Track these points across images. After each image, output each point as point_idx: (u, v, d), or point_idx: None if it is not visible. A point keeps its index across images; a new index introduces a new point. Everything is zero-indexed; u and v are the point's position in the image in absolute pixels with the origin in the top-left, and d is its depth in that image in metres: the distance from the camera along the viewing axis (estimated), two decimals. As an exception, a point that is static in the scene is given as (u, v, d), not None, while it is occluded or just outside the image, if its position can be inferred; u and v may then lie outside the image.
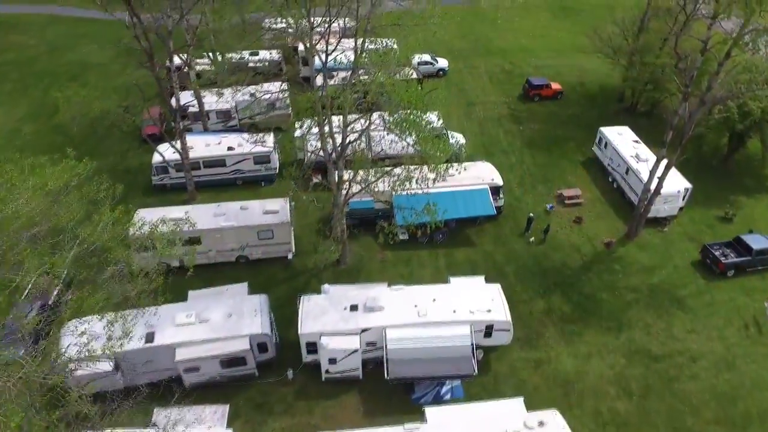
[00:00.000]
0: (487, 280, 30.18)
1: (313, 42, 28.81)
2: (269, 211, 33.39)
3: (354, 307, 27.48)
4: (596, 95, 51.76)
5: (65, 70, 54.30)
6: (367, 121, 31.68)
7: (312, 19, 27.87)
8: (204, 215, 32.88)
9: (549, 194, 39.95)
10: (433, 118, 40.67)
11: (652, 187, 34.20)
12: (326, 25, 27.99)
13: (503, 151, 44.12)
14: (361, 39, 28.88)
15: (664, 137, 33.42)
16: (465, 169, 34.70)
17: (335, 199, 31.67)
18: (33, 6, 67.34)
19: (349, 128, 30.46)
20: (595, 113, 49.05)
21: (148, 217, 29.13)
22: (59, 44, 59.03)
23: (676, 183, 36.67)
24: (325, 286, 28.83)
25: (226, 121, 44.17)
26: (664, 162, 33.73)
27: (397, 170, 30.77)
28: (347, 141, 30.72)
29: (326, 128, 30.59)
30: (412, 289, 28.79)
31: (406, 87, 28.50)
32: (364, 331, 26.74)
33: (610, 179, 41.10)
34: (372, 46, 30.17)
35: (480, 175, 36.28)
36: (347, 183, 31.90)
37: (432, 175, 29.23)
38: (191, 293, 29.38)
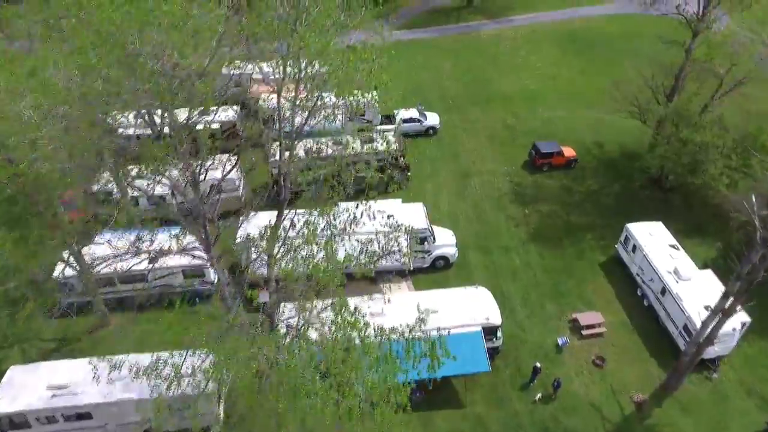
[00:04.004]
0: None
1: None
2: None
3: None
4: (616, 161, 42.80)
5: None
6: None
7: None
8: (95, 382, 24.32)
9: (561, 318, 31.21)
10: (419, 213, 32.55)
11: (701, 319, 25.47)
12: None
13: (503, 248, 35.31)
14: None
15: (728, 286, 24.47)
16: (449, 299, 26.58)
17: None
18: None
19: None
20: (617, 188, 40.18)
21: (21, 379, 23.71)
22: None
23: (731, 318, 27.82)
24: None
25: (161, 211, 35.40)
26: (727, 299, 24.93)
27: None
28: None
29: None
30: None
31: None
32: None
33: (639, 293, 32.31)
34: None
35: (471, 309, 27.52)
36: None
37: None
38: None
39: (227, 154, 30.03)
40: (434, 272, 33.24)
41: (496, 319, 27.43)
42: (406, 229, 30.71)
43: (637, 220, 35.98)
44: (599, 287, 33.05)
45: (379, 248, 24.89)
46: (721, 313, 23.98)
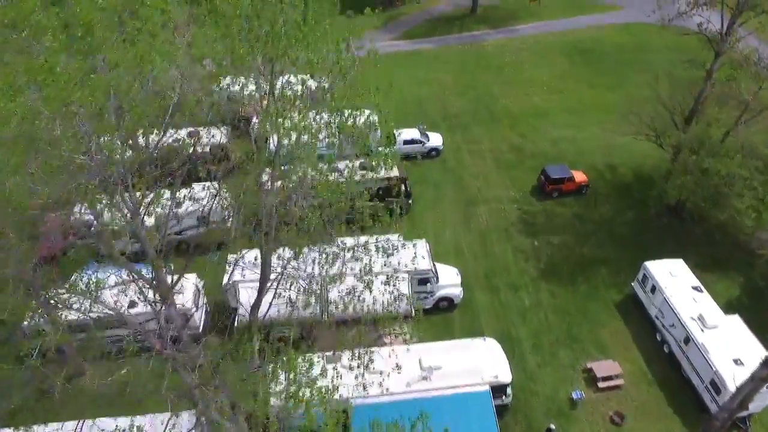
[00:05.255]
0: None
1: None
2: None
3: None
4: (630, 185, 40.35)
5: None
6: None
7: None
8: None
9: (575, 367, 28.80)
10: (422, 252, 30.14)
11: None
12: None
13: (512, 286, 32.88)
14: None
15: (764, 358, 21.98)
16: (455, 353, 24.27)
17: None
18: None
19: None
20: (631, 216, 37.74)
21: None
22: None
23: None
24: None
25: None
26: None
27: None
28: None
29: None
30: None
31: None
32: None
33: (658, 337, 29.90)
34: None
35: (478, 366, 25.07)
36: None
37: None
38: None
39: (210, 182, 27.44)
40: (437, 314, 30.84)
41: (506, 376, 25.01)
42: (408, 271, 28.72)
43: (653, 251, 33.73)
44: (615, 330, 30.62)
45: (380, 295, 22.74)
46: (761, 380, 21.53)
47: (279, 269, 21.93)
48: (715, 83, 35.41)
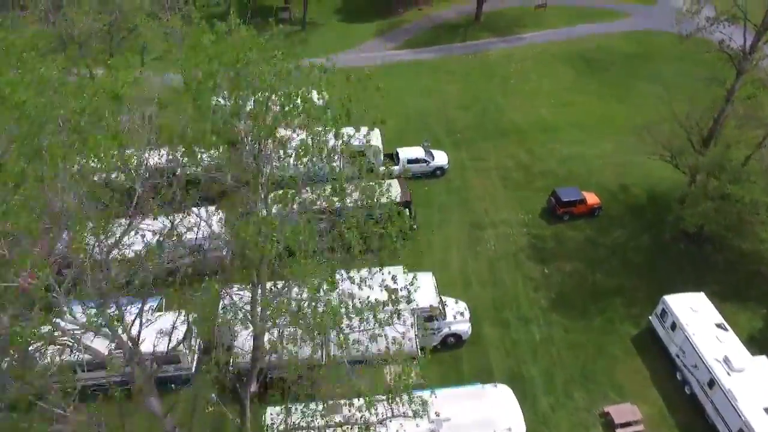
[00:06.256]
0: None
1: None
2: None
3: None
4: (644, 207, 38.59)
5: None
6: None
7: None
8: None
9: (591, 410, 27.05)
10: (428, 286, 28.35)
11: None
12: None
13: (522, 319, 31.13)
14: None
15: None
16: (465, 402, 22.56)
17: None
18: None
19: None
20: (646, 240, 36.01)
21: None
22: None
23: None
24: None
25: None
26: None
27: None
28: None
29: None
30: None
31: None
32: None
33: (678, 376, 28.17)
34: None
35: (490, 416, 23.31)
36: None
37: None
38: None
39: (207, 207, 25.47)
40: (444, 351, 29.06)
41: (520, 428, 23.23)
42: (414, 309, 26.92)
43: (670, 280, 32.21)
44: (632, 369, 28.87)
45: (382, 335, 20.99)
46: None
47: (274, 303, 20.30)
48: (736, 103, 33.66)
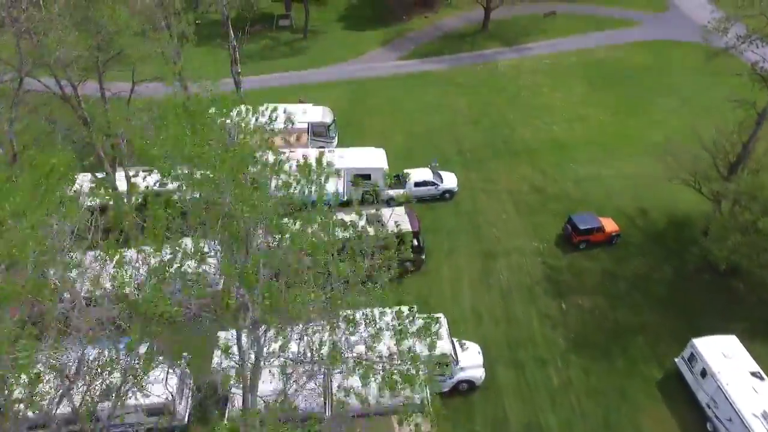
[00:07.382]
0: None
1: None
2: None
3: None
4: (665, 233, 36.47)
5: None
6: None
7: None
8: None
9: (616, 465, 25.01)
10: (440, 330, 26.08)
11: None
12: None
13: (539, 360, 29.02)
14: None
15: None
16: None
17: None
18: None
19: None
20: (669, 271, 33.90)
21: None
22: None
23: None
24: None
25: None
26: None
27: None
28: None
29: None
30: None
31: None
32: None
33: (709, 428, 26.05)
34: None
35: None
36: None
37: None
38: None
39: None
40: (456, 397, 26.96)
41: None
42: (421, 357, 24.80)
43: (696, 316, 30.32)
44: (659, 418, 26.73)
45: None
46: None
47: (275, 348, 18.38)
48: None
